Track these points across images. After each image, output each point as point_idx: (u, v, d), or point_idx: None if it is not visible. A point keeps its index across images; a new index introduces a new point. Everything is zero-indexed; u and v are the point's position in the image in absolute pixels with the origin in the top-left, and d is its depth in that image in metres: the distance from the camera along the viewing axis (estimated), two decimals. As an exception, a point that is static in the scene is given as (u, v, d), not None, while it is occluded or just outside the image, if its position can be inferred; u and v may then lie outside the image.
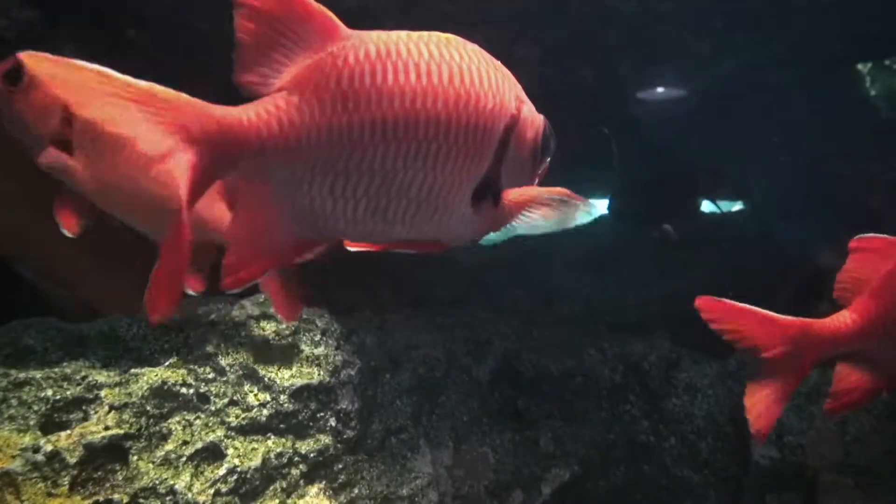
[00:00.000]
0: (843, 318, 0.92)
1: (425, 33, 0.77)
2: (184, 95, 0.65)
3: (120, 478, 0.79)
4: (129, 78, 0.62)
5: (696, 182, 2.12)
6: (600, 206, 2.37)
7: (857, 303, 0.92)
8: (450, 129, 0.75)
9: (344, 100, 0.71)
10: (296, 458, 0.89)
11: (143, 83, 0.62)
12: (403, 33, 0.76)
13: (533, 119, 0.84)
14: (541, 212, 0.83)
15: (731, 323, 0.92)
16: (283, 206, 0.75)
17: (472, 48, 0.80)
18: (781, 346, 0.91)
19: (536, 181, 0.89)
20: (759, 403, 0.94)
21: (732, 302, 0.91)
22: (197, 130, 0.65)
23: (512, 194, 0.83)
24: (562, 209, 0.84)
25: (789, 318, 0.90)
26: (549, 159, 0.89)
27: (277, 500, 0.86)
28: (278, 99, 0.71)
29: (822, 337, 0.91)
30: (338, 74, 0.71)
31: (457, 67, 0.76)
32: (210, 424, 0.87)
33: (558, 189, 0.86)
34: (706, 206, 2.40)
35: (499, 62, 0.83)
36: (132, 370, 0.88)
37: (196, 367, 0.90)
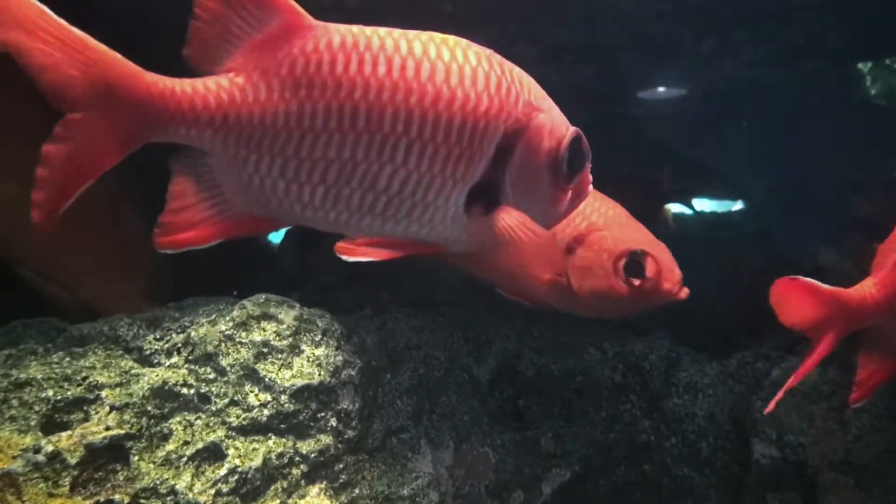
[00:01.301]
0: (870, 289, 0.88)
1: (418, 32, 0.76)
2: (118, 54, 0.67)
3: (121, 478, 0.79)
4: (64, 22, 0.64)
5: (656, 184, 1.98)
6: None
7: (882, 273, 0.88)
8: (424, 124, 0.74)
9: (295, 86, 0.71)
10: (297, 459, 0.89)
11: (78, 31, 0.64)
12: (384, 29, 0.75)
13: (553, 128, 0.81)
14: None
15: (785, 301, 0.90)
16: (227, 180, 0.75)
17: (476, 50, 0.78)
18: (816, 314, 0.88)
19: (568, 195, 0.86)
20: None
21: (799, 281, 0.88)
22: (123, 88, 0.67)
23: (507, 218, 0.80)
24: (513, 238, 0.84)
25: (825, 286, 0.87)
26: (581, 173, 0.85)
27: (278, 501, 0.86)
28: (221, 78, 0.72)
29: (851, 307, 0.87)
30: (291, 61, 0.72)
31: (442, 66, 0.74)
32: (211, 425, 0.87)
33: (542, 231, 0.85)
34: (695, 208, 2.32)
35: (518, 68, 0.81)
36: (133, 370, 0.88)
37: (197, 367, 0.90)
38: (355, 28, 0.75)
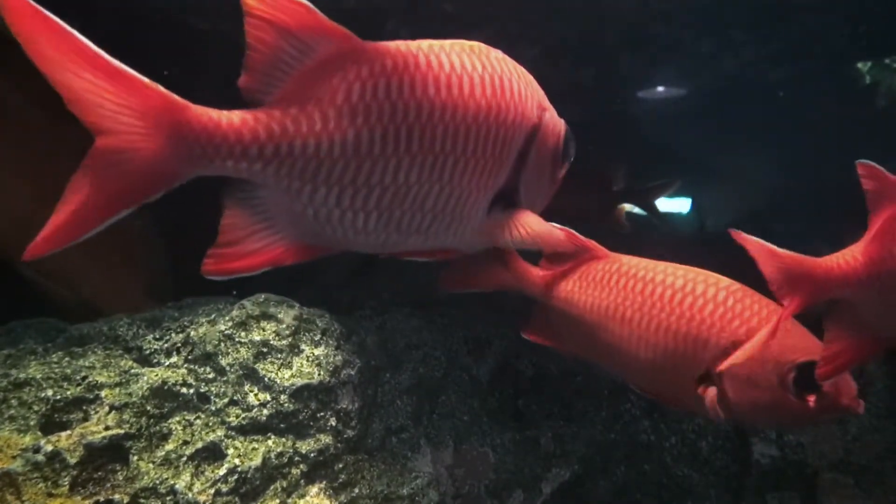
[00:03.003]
0: (838, 260, 0.85)
1: (449, 42, 0.76)
2: (159, 86, 0.65)
3: (120, 478, 0.79)
4: (101, 52, 0.62)
5: (603, 184, 1.85)
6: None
7: (855, 247, 0.85)
8: (468, 141, 0.74)
9: (352, 114, 0.70)
10: (296, 458, 0.89)
11: (116, 61, 0.63)
12: (425, 43, 0.75)
13: (554, 125, 0.83)
14: (534, 242, 0.83)
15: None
16: (280, 212, 0.74)
17: (496, 56, 0.78)
18: (776, 278, 0.84)
19: (555, 186, 0.89)
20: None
21: (751, 238, 0.84)
22: (167, 120, 0.65)
23: (524, 219, 0.82)
24: (548, 241, 0.84)
25: (789, 252, 0.84)
26: (567, 164, 0.88)
27: (278, 500, 0.86)
28: (274, 108, 0.70)
29: (815, 275, 0.84)
30: (347, 88, 0.70)
31: (478, 79, 0.75)
32: (210, 424, 0.87)
33: (567, 231, 0.86)
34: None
35: (522, 68, 0.82)
36: (132, 370, 0.88)
37: (196, 367, 0.90)
38: (402, 45, 0.73)
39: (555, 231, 0.85)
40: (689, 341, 0.90)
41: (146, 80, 0.64)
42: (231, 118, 0.68)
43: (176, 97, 0.66)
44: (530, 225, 0.81)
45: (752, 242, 0.85)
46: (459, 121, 0.73)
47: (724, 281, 0.93)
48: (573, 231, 1.02)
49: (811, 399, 0.85)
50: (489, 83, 0.75)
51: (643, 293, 0.96)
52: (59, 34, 0.60)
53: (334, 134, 0.70)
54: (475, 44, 0.78)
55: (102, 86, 0.62)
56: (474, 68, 0.75)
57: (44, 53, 0.60)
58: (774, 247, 0.85)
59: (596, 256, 1.04)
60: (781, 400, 0.85)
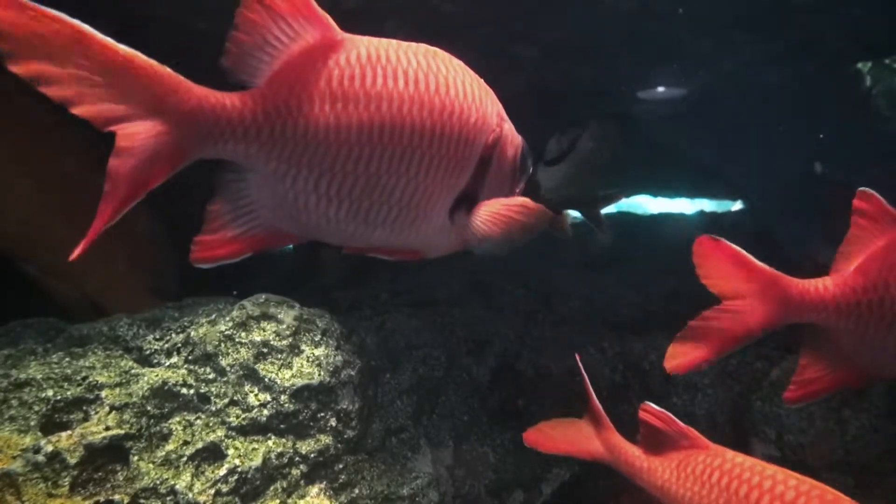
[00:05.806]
0: (818, 284, 0.85)
1: (413, 44, 0.79)
2: (166, 68, 0.66)
3: (120, 478, 0.79)
4: (109, 40, 0.62)
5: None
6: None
7: (839, 274, 0.85)
8: (433, 137, 0.77)
9: (333, 99, 0.72)
10: (296, 459, 0.89)
11: (124, 47, 0.63)
12: (394, 41, 0.77)
13: (513, 137, 0.86)
14: (508, 225, 0.84)
15: (713, 265, 0.87)
16: (263, 196, 0.76)
17: (458, 63, 0.81)
18: (746, 288, 0.86)
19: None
20: (696, 342, 0.88)
21: (726, 244, 0.86)
22: (173, 102, 0.66)
23: (482, 208, 0.84)
24: (525, 219, 0.85)
25: (765, 266, 0.85)
26: (525, 178, 0.90)
27: (278, 501, 0.86)
28: (266, 90, 0.72)
29: (789, 292, 0.84)
30: (328, 74, 0.72)
31: (443, 79, 0.77)
32: (210, 425, 0.87)
33: (518, 199, 0.86)
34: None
35: (482, 80, 0.84)
36: (132, 370, 0.88)
37: (196, 367, 0.90)
38: (374, 40, 0.76)
39: (523, 205, 0.83)
40: None
41: (156, 64, 0.65)
42: (233, 100, 0.70)
43: (183, 79, 0.67)
44: (494, 209, 0.82)
45: (730, 248, 0.86)
46: (426, 116, 0.76)
47: (845, 500, 0.83)
48: (672, 416, 0.96)
49: None
50: (452, 84, 0.78)
51: (748, 499, 0.86)
52: (58, 23, 0.59)
53: (318, 118, 0.72)
54: (437, 49, 0.81)
55: (114, 77, 0.63)
56: (438, 69, 0.78)
57: (42, 50, 0.59)
58: (752, 257, 0.85)
59: (696, 446, 0.95)
60: None
